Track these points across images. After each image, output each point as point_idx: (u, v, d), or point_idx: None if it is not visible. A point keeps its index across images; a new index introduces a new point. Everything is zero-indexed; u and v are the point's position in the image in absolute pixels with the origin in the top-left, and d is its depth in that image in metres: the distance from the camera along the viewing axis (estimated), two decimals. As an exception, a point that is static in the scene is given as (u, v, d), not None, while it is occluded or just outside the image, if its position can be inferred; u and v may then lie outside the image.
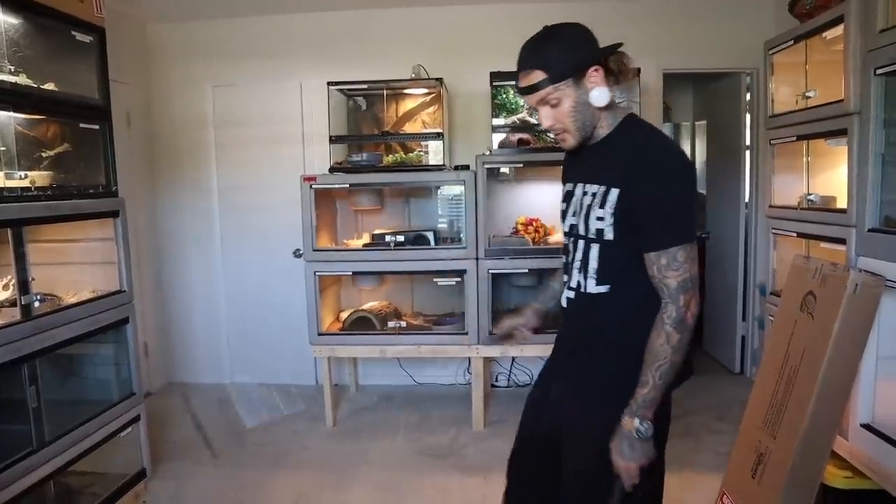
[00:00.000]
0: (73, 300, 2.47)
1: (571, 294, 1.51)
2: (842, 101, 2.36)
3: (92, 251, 2.68)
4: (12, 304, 2.23)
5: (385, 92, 3.78)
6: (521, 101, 3.58)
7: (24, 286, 2.13)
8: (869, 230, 2.22)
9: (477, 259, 3.38)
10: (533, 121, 3.49)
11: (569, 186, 1.55)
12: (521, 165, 3.48)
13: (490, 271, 3.39)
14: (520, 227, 3.64)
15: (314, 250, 3.44)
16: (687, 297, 1.31)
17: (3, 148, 2.16)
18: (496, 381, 4.14)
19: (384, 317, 3.62)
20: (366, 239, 3.71)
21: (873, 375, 2.16)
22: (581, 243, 1.46)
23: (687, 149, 6.01)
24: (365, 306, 3.79)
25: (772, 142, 3.05)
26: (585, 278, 1.46)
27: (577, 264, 1.48)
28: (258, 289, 4.21)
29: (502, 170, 3.64)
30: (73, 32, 2.42)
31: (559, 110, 1.40)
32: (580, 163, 1.53)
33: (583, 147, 1.48)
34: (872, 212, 2.22)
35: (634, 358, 1.36)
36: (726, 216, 4.34)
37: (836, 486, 2.18)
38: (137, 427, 2.72)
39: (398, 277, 3.94)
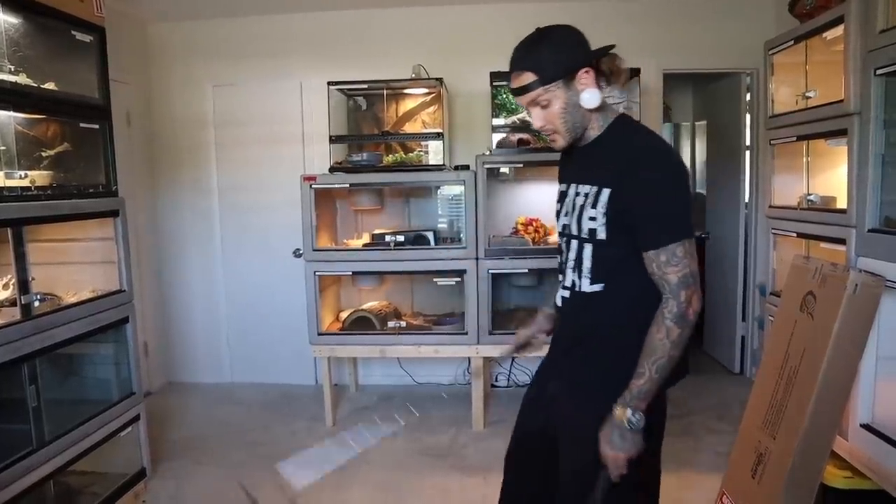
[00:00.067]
0: (72, 300, 2.47)
1: (566, 293, 1.52)
2: (842, 101, 2.36)
3: (92, 251, 2.68)
4: (12, 303, 2.23)
5: (385, 92, 3.78)
6: (521, 101, 3.58)
7: (23, 286, 2.13)
8: (869, 230, 2.22)
9: (477, 259, 3.38)
10: (533, 121, 3.48)
11: (563, 187, 1.56)
12: (521, 165, 3.48)
13: (490, 271, 3.39)
14: (520, 227, 3.64)
15: (314, 250, 3.44)
16: (688, 292, 1.32)
17: (3, 147, 2.16)
18: (496, 380, 4.14)
19: (384, 317, 3.62)
20: (366, 239, 3.71)
21: (873, 375, 2.16)
22: (574, 243, 1.48)
23: (687, 149, 6.01)
24: (365, 306, 3.79)
25: (772, 142, 3.05)
26: (580, 277, 1.47)
27: (570, 264, 1.49)
28: (258, 288, 4.20)
29: (502, 170, 3.64)
30: (74, 32, 2.42)
31: (549, 111, 1.41)
32: (573, 164, 1.55)
33: (575, 148, 1.50)
34: (872, 212, 2.22)
35: (629, 356, 1.36)
36: (726, 216, 4.34)
37: (836, 486, 2.19)
38: (137, 427, 2.72)
39: (398, 277, 3.94)
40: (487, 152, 3.52)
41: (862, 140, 2.26)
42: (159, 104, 4.19)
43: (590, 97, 1.39)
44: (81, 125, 2.50)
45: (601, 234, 1.40)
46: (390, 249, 3.43)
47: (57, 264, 2.57)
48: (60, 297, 2.50)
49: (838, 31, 2.40)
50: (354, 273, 3.63)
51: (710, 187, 4.88)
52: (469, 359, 3.62)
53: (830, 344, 1.98)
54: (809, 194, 2.72)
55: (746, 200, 4.13)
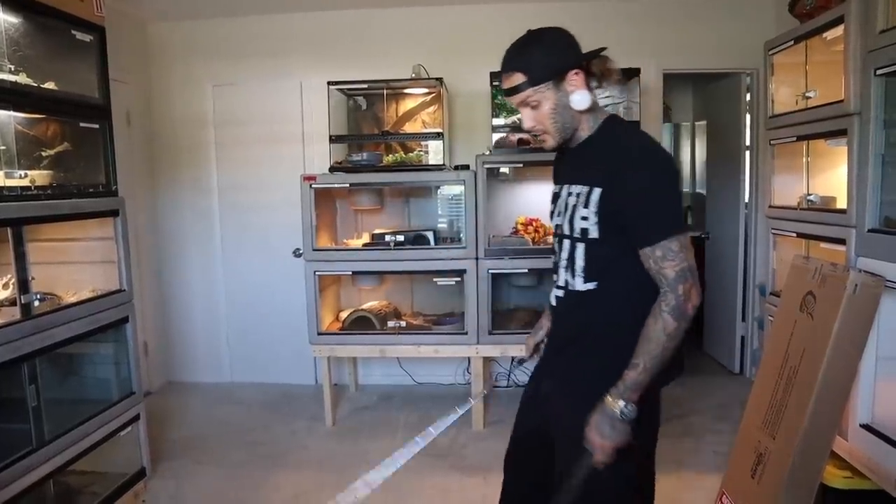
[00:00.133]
0: (72, 299, 2.47)
1: (560, 292, 1.53)
2: (842, 101, 2.36)
3: (92, 250, 2.68)
4: (12, 303, 2.23)
5: (385, 91, 3.78)
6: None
7: (23, 285, 2.13)
8: (869, 230, 2.23)
9: (477, 259, 3.38)
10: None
11: (556, 188, 1.58)
12: (521, 165, 3.48)
13: (490, 271, 3.39)
14: (519, 226, 3.64)
15: (314, 250, 3.44)
16: (686, 286, 1.32)
17: (2, 147, 2.16)
18: (496, 381, 4.14)
19: (384, 316, 3.62)
20: (366, 239, 3.71)
21: (873, 376, 2.16)
22: (567, 242, 1.49)
23: (687, 149, 6.02)
24: (365, 306, 3.79)
25: (772, 142, 3.05)
26: (573, 276, 1.48)
27: (564, 263, 1.51)
28: (258, 288, 4.20)
29: (502, 169, 3.64)
30: (74, 31, 2.41)
31: (539, 112, 1.43)
32: (565, 164, 1.57)
33: (568, 149, 1.52)
34: (872, 212, 2.22)
35: (622, 354, 1.37)
36: (726, 216, 4.34)
37: (836, 486, 2.19)
38: (137, 426, 2.72)
39: (398, 277, 3.94)
40: (487, 152, 3.52)
41: (862, 140, 2.26)
42: (159, 104, 4.19)
43: (580, 98, 1.41)
44: (81, 125, 2.50)
45: (593, 234, 1.42)
46: (390, 249, 3.43)
47: (57, 264, 2.57)
48: (60, 297, 2.50)
49: (838, 31, 2.40)
50: (354, 273, 3.63)
51: (710, 187, 4.88)
52: (469, 359, 3.62)
53: (830, 344, 1.98)
54: (809, 194, 2.72)
55: (746, 200, 4.13)
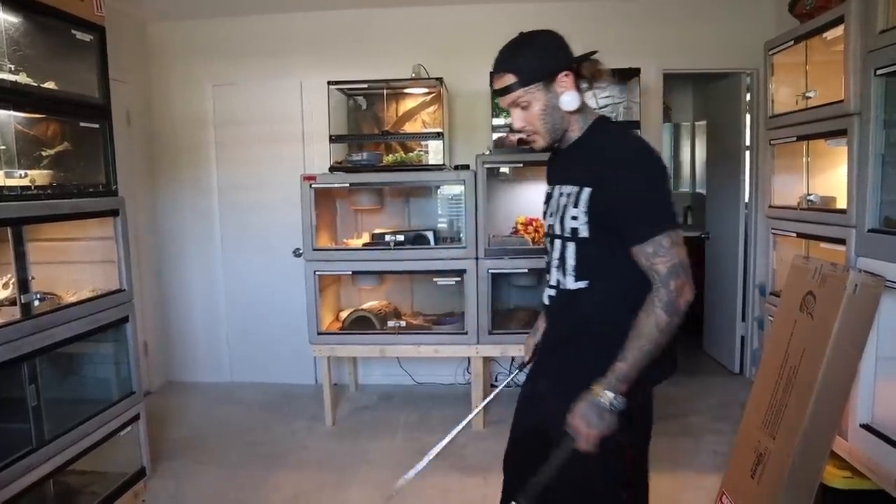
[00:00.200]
0: (72, 299, 2.47)
1: (552, 292, 1.56)
2: (842, 101, 2.36)
3: (92, 250, 2.68)
4: (12, 302, 2.23)
5: (385, 91, 3.78)
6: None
7: (23, 285, 2.13)
8: (869, 230, 2.23)
9: (477, 259, 3.38)
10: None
11: (548, 189, 1.61)
12: (521, 165, 3.48)
13: (490, 271, 3.39)
14: (520, 226, 3.65)
15: (314, 250, 3.44)
16: (679, 282, 1.33)
17: (2, 147, 2.16)
18: (496, 380, 4.14)
19: (384, 316, 3.62)
20: (366, 238, 3.71)
21: (873, 375, 2.16)
22: (558, 242, 1.51)
23: (687, 149, 6.02)
24: (364, 306, 3.79)
25: (772, 142, 3.05)
26: (564, 276, 1.50)
27: (555, 262, 1.53)
28: (258, 288, 4.20)
29: (502, 169, 3.64)
30: (74, 31, 2.42)
31: (529, 112, 1.46)
32: (556, 165, 1.60)
33: (559, 150, 1.56)
34: (872, 212, 2.22)
35: (614, 352, 1.38)
36: (726, 216, 4.34)
37: (836, 486, 2.19)
38: (137, 426, 2.72)
39: (398, 277, 3.94)
40: (487, 152, 3.52)
41: (862, 140, 2.26)
42: (159, 103, 4.19)
43: (569, 100, 1.43)
44: (81, 124, 2.50)
45: (583, 233, 1.44)
46: (390, 249, 3.43)
47: (57, 263, 2.57)
48: (60, 297, 2.50)
49: (838, 31, 2.40)
50: (354, 273, 3.63)
51: (710, 187, 4.88)
52: (469, 358, 3.62)
53: (830, 344, 1.98)
54: (809, 194, 2.72)
55: (746, 200, 4.13)
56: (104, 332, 2.56)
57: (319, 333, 3.49)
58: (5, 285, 2.36)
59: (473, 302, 3.39)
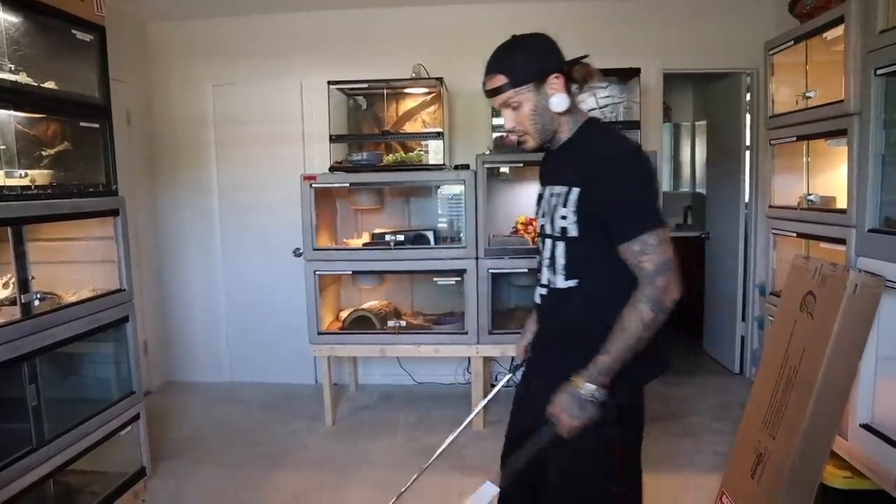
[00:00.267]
0: (72, 299, 2.47)
1: (543, 291, 1.58)
2: (842, 101, 2.36)
3: (92, 250, 2.68)
4: (12, 302, 2.23)
5: (385, 91, 3.78)
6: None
7: (24, 285, 2.13)
8: (869, 230, 2.23)
9: (477, 259, 3.38)
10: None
11: (540, 189, 1.65)
12: (521, 165, 3.48)
13: (490, 271, 3.39)
14: (519, 226, 3.65)
15: (314, 249, 3.44)
16: (665, 280, 1.35)
17: (3, 146, 2.16)
18: (496, 380, 4.14)
19: (384, 316, 3.62)
20: (366, 238, 3.71)
21: (873, 375, 2.16)
22: (549, 242, 1.54)
23: (687, 149, 6.02)
24: (365, 305, 3.79)
25: (772, 142, 3.05)
26: (554, 274, 1.53)
27: (546, 262, 1.56)
28: (258, 288, 4.20)
29: (502, 169, 3.64)
30: (74, 31, 2.41)
31: (520, 113, 1.49)
32: (548, 166, 1.64)
33: (550, 151, 1.60)
34: (872, 212, 2.22)
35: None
36: (726, 216, 4.34)
37: (836, 486, 2.19)
38: (137, 426, 2.72)
39: (398, 277, 3.94)
40: (487, 152, 3.52)
41: (862, 140, 2.26)
42: (159, 103, 4.19)
43: (559, 101, 1.46)
44: (81, 124, 2.50)
45: (572, 232, 1.46)
46: (390, 249, 3.43)
47: (57, 263, 2.57)
48: (60, 297, 2.50)
49: (838, 31, 2.40)
50: (354, 272, 3.63)
51: (710, 187, 4.88)
52: (469, 358, 3.62)
53: (830, 344, 1.98)
54: (809, 194, 2.73)
55: (746, 200, 4.13)
56: (104, 332, 2.56)
57: (319, 333, 3.49)
58: (5, 285, 2.36)
59: (473, 302, 3.39)
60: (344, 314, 3.74)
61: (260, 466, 3.05)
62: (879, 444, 2.06)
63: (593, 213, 1.42)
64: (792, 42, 2.79)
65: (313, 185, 3.43)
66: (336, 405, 3.71)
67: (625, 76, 3.62)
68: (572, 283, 1.50)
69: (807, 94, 2.69)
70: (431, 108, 3.87)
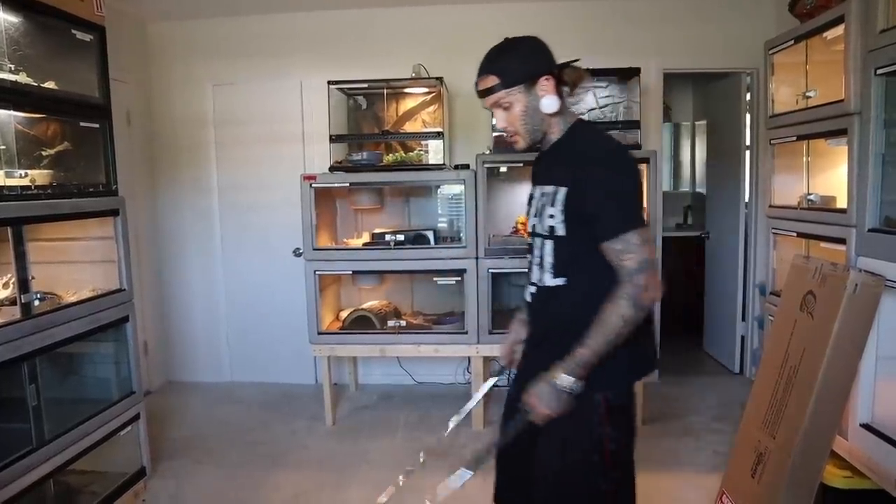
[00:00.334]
0: (72, 299, 2.47)
1: (533, 289, 1.61)
2: (842, 101, 2.36)
3: (92, 250, 2.68)
4: (12, 302, 2.23)
5: (385, 91, 3.78)
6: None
7: (23, 285, 2.13)
8: (869, 230, 2.23)
9: (477, 258, 3.38)
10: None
11: (532, 189, 1.67)
12: (521, 165, 3.48)
13: (490, 271, 3.38)
14: (520, 226, 3.64)
15: (314, 249, 3.44)
16: (645, 278, 1.38)
17: (3, 146, 2.16)
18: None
19: (384, 316, 3.62)
20: (366, 238, 3.71)
21: (873, 375, 2.16)
22: (538, 240, 1.57)
23: (687, 148, 6.02)
24: (365, 305, 3.79)
25: (772, 142, 3.05)
26: (543, 272, 1.56)
27: (535, 260, 1.59)
28: (258, 288, 4.20)
29: (502, 169, 3.64)
30: (74, 31, 2.41)
31: (511, 113, 1.52)
32: (539, 167, 1.67)
33: (542, 153, 1.63)
34: (872, 212, 2.22)
35: None
36: (726, 216, 4.34)
37: (836, 485, 2.19)
38: (137, 426, 2.72)
39: (398, 277, 3.94)
40: (487, 151, 3.52)
41: (862, 140, 2.26)
42: (159, 103, 4.19)
43: (549, 103, 1.49)
44: (81, 124, 2.50)
45: (560, 231, 1.50)
46: (390, 249, 3.43)
47: (57, 263, 2.57)
48: (60, 296, 2.50)
49: (838, 30, 2.40)
50: (354, 272, 3.63)
51: (710, 187, 4.88)
52: (469, 358, 3.62)
53: (830, 343, 1.98)
54: (809, 194, 2.72)
55: (746, 200, 4.13)
56: (104, 332, 2.56)
57: (319, 333, 3.49)
58: (5, 285, 2.36)
59: (473, 301, 3.39)
60: (344, 314, 3.74)
61: (260, 466, 3.05)
62: (879, 444, 2.06)
63: (579, 212, 1.45)
64: (792, 42, 2.79)
65: (313, 185, 3.43)
66: (336, 405, 3.70)
67: (625, 76, 3.62)
68: (560, 281, 1.53)
69: (807, 94, 2.69)
70: (431, 108, 3.87)
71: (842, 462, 2.22)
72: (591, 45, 3.80)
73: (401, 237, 3.46)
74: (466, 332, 3.42)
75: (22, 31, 2.23)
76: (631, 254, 1.38)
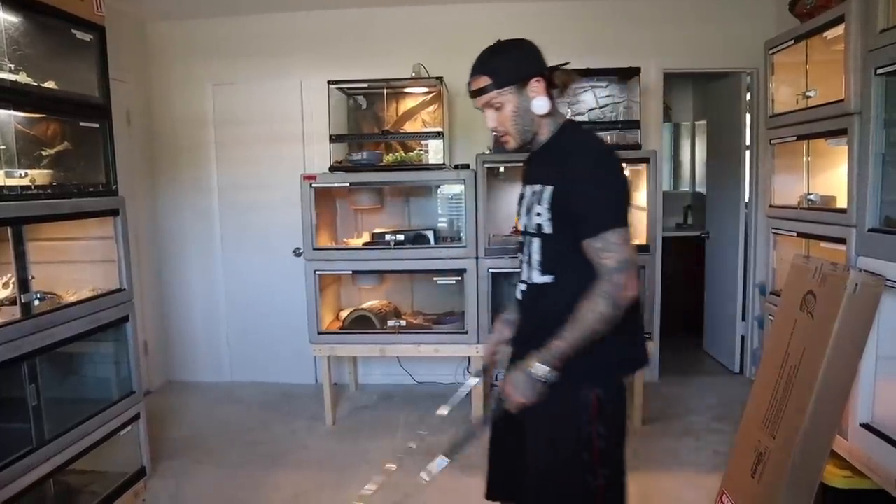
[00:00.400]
0: (72, 299, 2.47)
1: (523, 287, 1.65)
2: (842, 100, 2.36)
3: (92, 250, 2.68)
4: (12, 302, 2.23)
5: (385, 91, 3.78)
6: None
7: (24, 284, 2.13)
8: (869, 230, 2.22)
9: (477, 258, 3.38)
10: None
11: (522, 189, 1.70)
12: (521, 165, 3.47)
13: (490, 270, 3.39)
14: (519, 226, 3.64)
15: (314, 249, 3.44)
16: (623, 277, 1.41)
17: (3, 146, 2.16)
18: (496, 380, 4.14)
19: (384, 316, 3.62)
20: (366, 238, 3.71)
21: (873, 375, 2.16)
22: (527, 238, 1.61)
23: (687, 148, 6.02)
24: (365, 305, 3.79)
25: (772, 141, 3.05)
26: (531, 270, 1.60)
27: (525, 258, 1.62)
28: (258, 288, 4.20)
29: (502, 169, 3.64)
30: (74, 31, 2.41)
31: (502, 114, 1.55)
32: (529, 167, 1.70)
33: (532, 153, 1.66)
34: (872, 212, 2.22)
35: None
36: (726, 216, 4.34)
37: (836, 485, 2.19)
38: (137, 425, 2.72)
39: (398, 276, 3.94)
40: (487, 151, 3.52)
41: (862, 140, 2.26)
42: (159, 103, 4.19)
43: (540, 104, 1.52)
44: (81, 124, 2.50)
45: (547, 229, 1.53)
46: (390, 248, 3.43)
47: (57, 263, 2.57)
48: (60, 296, 2.50)
49: (839, 30, 2.40)
50: (354, 272, 3.63)
51: (710, 187, 4.88)
52: (469, 358, 3.62)
53: (830, 343, 1.98)
54: (809, 194, 2.72)
55: (746, 200, 4.13)
56: (104, 332, 2.56)
57: (319, 333, 3.49)
58: (5, 285, 2.36)
59: (473, 301, 3.39)
60: (344, 314, 3.74)
61: (260, 466, 3.05)
62: (880, 444, 2.06)
63: (566, 211, 1.48)
64: (792, 41, 2.79)
65: (313, 185, 3.43)
66: (336, 405, 3.70)
67: (625, 76, 3.62)
68: (548, 278, 1.56)
69: (807, 94, 2.68)
70: (431, 108, 3.87)
71: (842, 462, 2.22)
72: (591, 45, 3.80)
73: (401, 237, 3.46)
74: (466, 332, 3.42)
75: (22, 30, 2.23)
76: (610, 252, 1.40)
